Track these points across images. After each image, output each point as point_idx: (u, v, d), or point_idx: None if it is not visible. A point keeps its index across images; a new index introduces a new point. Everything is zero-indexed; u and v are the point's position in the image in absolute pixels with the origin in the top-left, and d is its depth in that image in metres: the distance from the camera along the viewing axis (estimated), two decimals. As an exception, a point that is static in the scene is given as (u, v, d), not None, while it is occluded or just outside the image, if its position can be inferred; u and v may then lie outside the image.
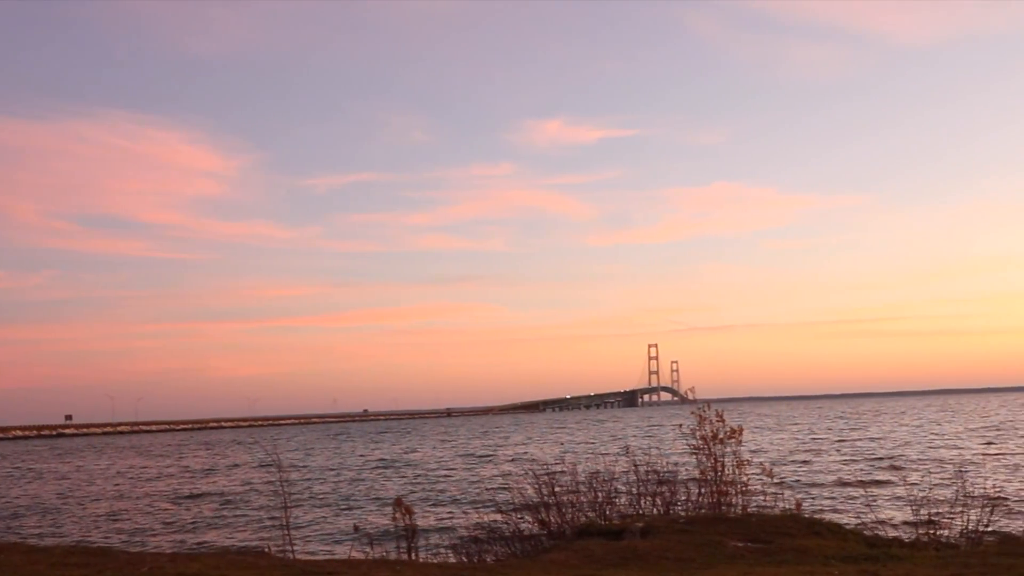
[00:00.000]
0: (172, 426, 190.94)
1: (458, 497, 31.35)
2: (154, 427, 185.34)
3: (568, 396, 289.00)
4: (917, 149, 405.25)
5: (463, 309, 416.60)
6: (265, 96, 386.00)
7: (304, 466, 53.60)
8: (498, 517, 15.61)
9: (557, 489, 15.08)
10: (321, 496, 34.64)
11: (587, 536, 12.86)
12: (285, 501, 14.54)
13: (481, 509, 22.93)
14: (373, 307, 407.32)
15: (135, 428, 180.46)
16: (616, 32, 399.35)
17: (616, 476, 15.83)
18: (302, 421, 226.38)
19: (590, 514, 14.63)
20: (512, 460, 47.34)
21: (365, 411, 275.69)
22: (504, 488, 20.11)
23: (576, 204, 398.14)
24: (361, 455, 64.80)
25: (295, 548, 13.94)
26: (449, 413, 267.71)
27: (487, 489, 30.87)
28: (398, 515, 13.36)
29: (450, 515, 25.85)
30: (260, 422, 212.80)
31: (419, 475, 43.24)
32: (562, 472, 16.09)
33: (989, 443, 48.89)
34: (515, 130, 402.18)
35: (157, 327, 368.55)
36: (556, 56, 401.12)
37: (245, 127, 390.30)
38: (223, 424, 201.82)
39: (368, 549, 13.94)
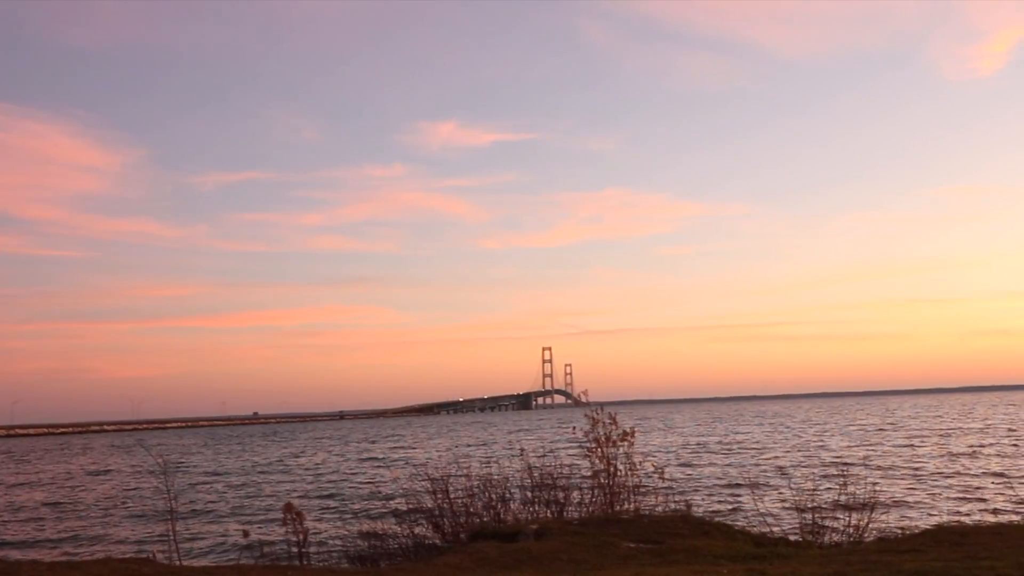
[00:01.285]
0: (51, 430, 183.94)
1: (351, 501, 30.98)
2: (31, 431, 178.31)
3: (461, 399, 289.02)
4: (802, 159, 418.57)
5: (355, 311, 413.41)
6: (151, 91, 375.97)
7: (192, 470, 52.27)
8: (392, 521, 15.48)
9: (451, 493, 15.04)
10: (209, 501, 33.82)
11: (481, 539, 12.84)
12: (171, 506, 14.14)
13: (374, 513, 22.69)
14: (263, 308, 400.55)
15: (10, 432, 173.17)
16: (510, 37, 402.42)
17: (510, 479, 15.86)
18: (189, 424, 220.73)
19: (484, 517, 14.62)
20: (406, 463, 47.05)
21: (255, 414, 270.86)
22: (398, 492, 19.96)
23: (469, 207, 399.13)
24: (251, 459, 63.53)
25: (182, 555, 13.57)
26: (342, 416, 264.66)
27: (380, 493, 30.60)
28: (289, 520, 13.13)
29: (342, 520, 25.52)
30: (145, 425, 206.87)
31: (311, 479, 42.60)
32: (456, 475, 16.04)
33: (870, 445, 50.68)
34: (408, 131, 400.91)
35: (34, 327, 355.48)
36: (450, 59, 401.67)
37: (130, 122, 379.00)
38: (106, 427, 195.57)
39: (258, 555, 13.65)
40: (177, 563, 12.70)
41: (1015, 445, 45.13)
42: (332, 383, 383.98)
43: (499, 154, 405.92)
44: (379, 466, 49.14)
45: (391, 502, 20.70)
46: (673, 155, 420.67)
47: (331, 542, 18.38)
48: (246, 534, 16.56)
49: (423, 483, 15.63)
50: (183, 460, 64.06)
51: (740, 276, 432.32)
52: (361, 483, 38.50)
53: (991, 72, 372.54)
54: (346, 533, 18.14)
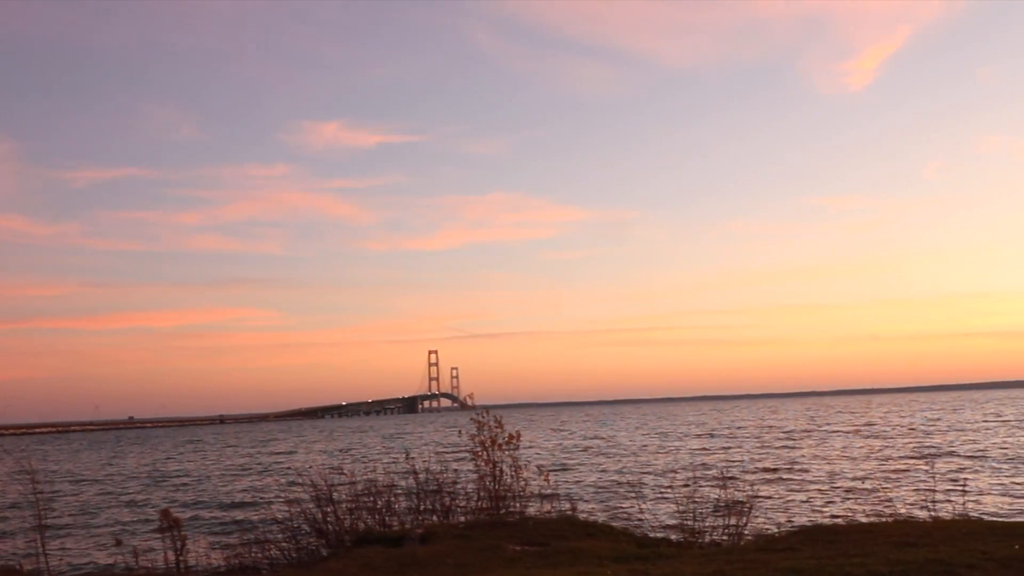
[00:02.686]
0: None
1: (231, 508, 30.29)
2: None
3: (345, 403, 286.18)
4: (684, 167, 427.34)
5: (236, 313, 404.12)
6: (19, 82, 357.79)
7: (62, 478, 50.31)
8: (274, 528, 15.18)
9: (336, 497, 14.84)
10: (80, 508, 32.60)
11: (366, 544, 12.71)
12: (39, 514, 13.57)
13: (256, 520, 22.23)
14: (139, 309, 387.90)
15: None
16: (395, 37, 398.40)
17: (396, 483, 15.74)
18: (61, 429, 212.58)
19: (369, 521, 14.48)
20: (289, 468, 46.27)
21: (131, 418, 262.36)
22: (280, 498, 19.60)
23: (355, 209, 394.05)
24: (126, 465, 61.53)
25: (50, 564, 13.02)
26: (222, 420, 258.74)
27: (262, 499, 30.00)
28: (166, 527, 12.75)
29: (223, 527, 24.93)
30: (12, 430, 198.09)
31: (189, 485, 41.49)
32: (341, 480, 15.83)
33: (748, 447, 52.08)
34: (291, 131, 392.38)
35: None
36: (334, 58, 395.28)
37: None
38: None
39: (133, 565, 13.20)
40: (45, 572, 12.20)
41: (884, 446, 46.99)
42: (212, 386, 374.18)
43: (384, 156, 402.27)
44: (261, 471, 48.20)
45: (273, 508, 20.31)
46: (558, 160, 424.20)
47: (210, 547, 17.92)
48: (119, 543, 15.95)
49: (306, 488, 15.37)
50: (53, 467, 61.65)
51: (623, 281, 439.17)
52: (241, 489, 37.65)
53: (861, 87, 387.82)
54: (226, 541, 17.75)
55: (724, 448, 51.32)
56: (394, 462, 18.48)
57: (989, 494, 25.28)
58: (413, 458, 16.44)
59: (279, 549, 14.04)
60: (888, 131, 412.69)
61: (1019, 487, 26.71)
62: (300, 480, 16.35)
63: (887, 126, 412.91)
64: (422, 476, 15.68)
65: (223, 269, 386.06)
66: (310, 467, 17.68)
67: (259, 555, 13.95)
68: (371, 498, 15.05)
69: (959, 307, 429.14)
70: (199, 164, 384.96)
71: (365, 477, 16.04)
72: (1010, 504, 23.35)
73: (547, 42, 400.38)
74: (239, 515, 27.28)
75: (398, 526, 14.12)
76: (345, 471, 16.74)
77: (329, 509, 14.52)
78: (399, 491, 15.58)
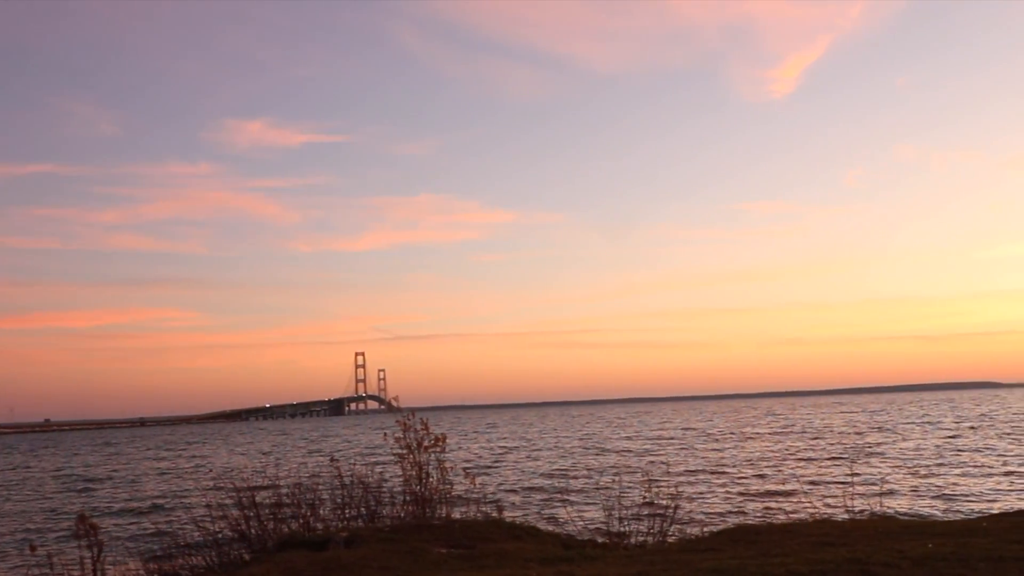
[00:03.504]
0: None
1: (151, 511, 29.65)
2: None
3: (269, 405, 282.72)
4: (611, 171, 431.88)
5: (158, 313, 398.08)
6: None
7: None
8: (194, 533, 14.89)
9: (259, 500, 14.61)
10: (-7, 515, 31.62)
11: (290, 548, 12.54)
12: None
13: (176, 523, 21.77)
14: (56, 309, 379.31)
15: None
16: (323, 37, 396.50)
17: (321, 486, 15.56)
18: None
19: (293, 525, 14.29)
20: (211, 471, 45.48)
21: (47, 421, 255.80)
22: (202, 501, 19.26)
23: (280, 209, 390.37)
24: (41, 469, 59.90)
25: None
26: (143, 423, 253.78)
27: (181, 503, 29.46)
28: (82, 533, 12.41)
29: (141, 532, 24.39)
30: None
31: (107, 489, 40.55)
32: (263, 485, 15.59)
33: (674, 448, 52.67)
34: (215, 129, 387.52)
35: None
36: (259, 56, 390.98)
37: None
38: None
39: (47, 572, 12.83)
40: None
41: (806, 447, 47.90)
42: (133, 388, 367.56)
43: (311, 155, 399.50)
44: (181, 475, 47.31)
45: (195, 509, 19.95)
46: (487, 163, 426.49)
47: (128, 553, 17.52)
48: (33, 548, 15.48)
49: (229, 490, 15.11)
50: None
51: (551, 284, 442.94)
52: (161, 493, 36.92)
53: (783, 95, 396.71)
54: (145, 547, 17.37)
55: (649, 450, 51.82)
56: (319, 465, 18.27)
57: (906, 494, 25.94)
58: (338, 461, 16.28)
59: (200, 555, 13.77)
60: (810, 138, 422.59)
61: (935, 487, 27.46)
62: (222, 483, 16.07)
63: (809, 133, 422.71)
64: (348, 479, 15.53)
65: (144, 269, 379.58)
66: (232, 469, 17.41)
67: (179, 561, 13.67)
68: (295, 501, 14.84)
69: (880, 311, 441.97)
70: (119, 162, 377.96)
71: (289, 480, 15.81)
72: (925, 504, 23.99)
73: (476, 45, 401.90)
74: (159, 520, 26.71)
75: (322, 530, 13.95)
76: (269, 474, 16.50)
77: (252, 513, 14.28)
78: (324, 494, 15.39)
